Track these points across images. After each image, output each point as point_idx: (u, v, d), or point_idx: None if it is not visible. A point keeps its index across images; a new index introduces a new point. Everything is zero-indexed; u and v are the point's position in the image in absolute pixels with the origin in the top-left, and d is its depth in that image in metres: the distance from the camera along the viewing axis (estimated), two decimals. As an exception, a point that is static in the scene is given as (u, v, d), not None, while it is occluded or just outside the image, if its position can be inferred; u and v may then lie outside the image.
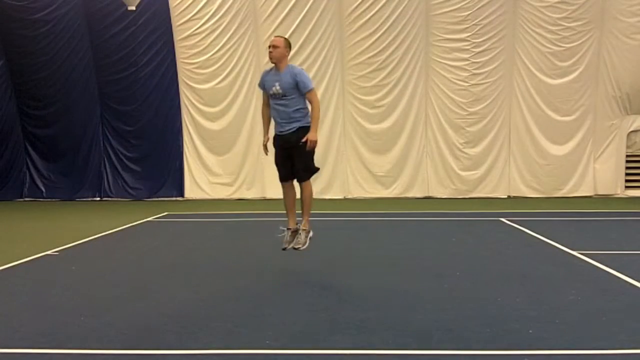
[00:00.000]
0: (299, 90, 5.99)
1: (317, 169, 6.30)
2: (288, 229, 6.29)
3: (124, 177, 14.88)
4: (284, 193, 6.37)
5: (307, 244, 6.20)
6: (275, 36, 6.34)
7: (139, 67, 14.27)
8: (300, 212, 6.32)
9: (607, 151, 14.00)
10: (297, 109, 6.05)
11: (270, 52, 6.04)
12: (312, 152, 6.16)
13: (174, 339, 4.28)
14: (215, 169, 14.54)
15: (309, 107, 6.13)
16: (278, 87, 6.01)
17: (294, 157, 6.13)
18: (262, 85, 6.25)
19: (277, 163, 6.37)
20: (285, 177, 6.31)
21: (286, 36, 13.54)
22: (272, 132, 6.44)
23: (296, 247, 6.17)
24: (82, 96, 14.66)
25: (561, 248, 7.54)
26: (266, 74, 6.24)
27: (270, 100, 6.18)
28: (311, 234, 6.26)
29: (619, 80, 13.63)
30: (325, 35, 13.80)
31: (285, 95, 6.00)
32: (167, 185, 14.74)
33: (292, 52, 13.87)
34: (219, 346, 4.13)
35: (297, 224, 6.30)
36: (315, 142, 6.02)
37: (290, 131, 6.08)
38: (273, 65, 6.12)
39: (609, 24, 13.38)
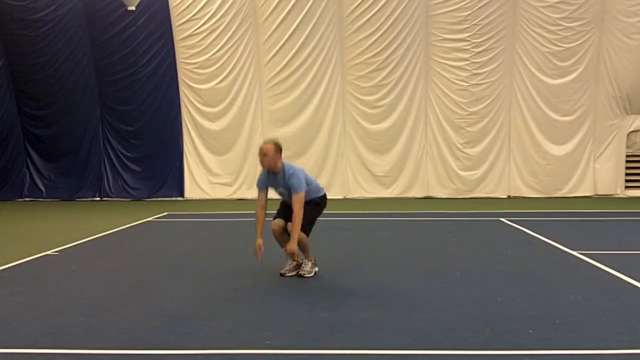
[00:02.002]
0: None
1: (309, 232, 6.06)
2: (293, 260, 6.20)
3: (124, 177, 14.88)
4: (273, 223, 6.10)
5: (312, 273, 6.14)
6: (264, 142, 5.99)
7: (139, 67, 14.28)
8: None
9: (607, 151, 14.01)
10: (307, 192, 5.98)
11: (260, 160, 5.92)
12: (316, 217, 6.13)
13: (174, 339, 4.27)
14: (215, 169, 14.54)
15: (313, 185, 6.07)
16: (282, 189, 6.02)
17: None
18: (264, 187, 6.08)
19: (279, 208, 6.26)
20: (279, 214, 6.17)
21: (284, 40, 13.63)
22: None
23: (301, 273, 6.11)
24: (82, 96, 14.67)
25: (561, 248, 7.54)
26: (265, 176, 6.05)
27: (278, 194, 6.16)
28: (317, 268, 6.21)
29: (619, 80, 13.64)
30: (325, 35, 13.81)
31: (290, 193, 5.95)
32: (167, 185, 14.74)
33: (292, 52, 14.06)
34: (219, 346, 4.12)
35: (300, 258, 6.20)
36: (293, 253, 5.92)
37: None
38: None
39: (609, 24, 13.39)
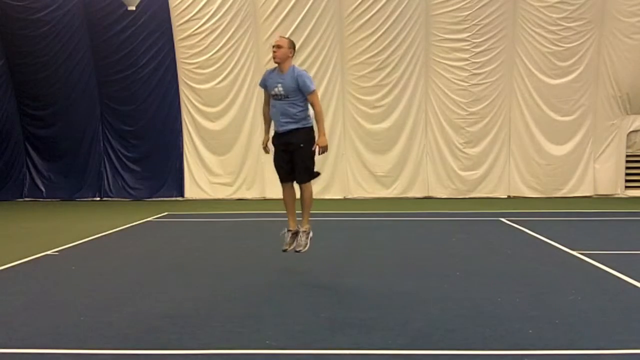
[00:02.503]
0: (301, 92, 5.96)
1: (318, 174, 6.28)
2: (289, 230, 6.28)
3: (124, 177, 14.88)
4: (284, 193, 6.36)
5: (307, 245, 6.19)
6: (280, 36, 6.29)
7: (139, 67, 14.27)
8: (300, 212, 6.32)
9: (607, 151, 14.00)
10: (299, 110, 6.03)
11: (274, 52, 6.02)
12: (313, 154, 6.14)
13: (174, 339, 4.27)
14: (215, 169, 14.54)
15: (310, 109, 6.11)
16: (280, 88, 5.99)
17: (295, 159, 6.12)
18: (264, 84, 6.21)
19: (276, 164, 6.33)
20: (284, 178, 6.29)
21: (287, 36, 13.65)
22: (272, 132, 6.42)
23: (297, 249, 6.16)
24: (82, 96, 14.66)
25: (561, 248, 7.54)
26: (269, 73, 6.19)
27: (271, 99, 6.16)
28: (311, 234, 6.26)
29: (619, 80, 13.63)
30: (325, 35, 13.80)
31: (287, 97, 5.98)
32: (167, 185, 14.73)
33: (292, 52, 13.97)
34: (219, 346, 4.12)
35: (297, 225, 6.30)
36: (326, 147, 6.02)
37: (291, 131, 6.05)
38: (276, 65, 6.09)
39: (609, 24, 13.39)
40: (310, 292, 5.57)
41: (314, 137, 6.14)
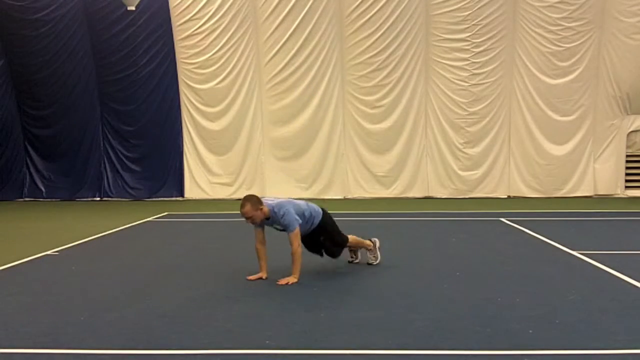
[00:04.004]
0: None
1: (347, 239, 6.40)
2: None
3: (124, 177, 14.88)
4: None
5: (379, 257, 6.69)
6: (241, 206, 5.84)
7: (139, 67, 14.27)
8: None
9: (607, 151, 14.01)
10: (305, 224, 6.05)
11: (251, 223, 5.89)
12: (335, 227, 6.29)
13: (174, 339, 4.27)
14: (215, 169, 14.54)
15: (308, 211, 6.09)
16: (279, 228, 6.03)
17: (322, 241, 6.28)
18: (260, 225, 6.06)
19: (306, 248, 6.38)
20: (314, 251, 6.46)
21: (284, 40, 13.68)
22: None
23: (369, 262, 6.62)
24: (82, 96, 14.67)
25: (561, 248, 7.54)
26: (259, 224, 6.04)
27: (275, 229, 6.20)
28: (378, 243, 6.73)
29: (619, 80, 13.64)
30: (325, 35, 13.81)
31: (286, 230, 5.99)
32: (167, 185, 14.74)
33: (292, 52, 14.04)
34: (219, 346, 4.12)
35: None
36: (294, 283, 5.88)
37: (310, 232, 6.17)
38: None
39: (609, 24, 13.39)
40: (310, 292, 5.57)
41: (326, 222, 6.23)
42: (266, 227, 6.09)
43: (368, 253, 6.66)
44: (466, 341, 4.15)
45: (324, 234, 6.24)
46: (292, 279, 5.89)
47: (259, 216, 5.83)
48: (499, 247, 7.77)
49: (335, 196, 14.15)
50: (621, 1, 13.24)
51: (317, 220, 6.17)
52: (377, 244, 6.69)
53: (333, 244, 6.30)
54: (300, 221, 5.92)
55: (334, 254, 6.37)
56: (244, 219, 5.88)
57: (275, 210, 5.86)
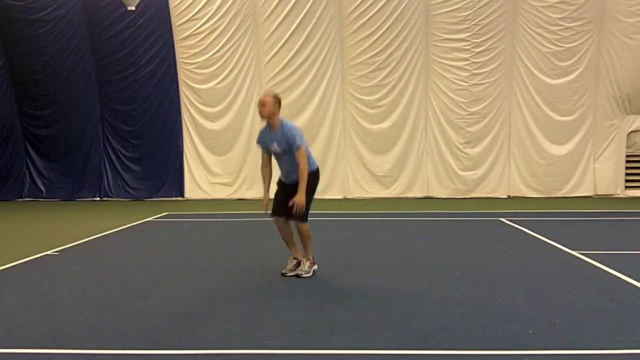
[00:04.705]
0: None
1: (306, 218, 6.06)
2: (294, 258, 6.26)
3: (124, 177, 14.88)
4: (278, 230, 6.22)
5: (310, 273, 6.17)
6: (264, 93, 6.03)
7: (139, 67, 14.28)
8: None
9: (607, 151, 14.01)
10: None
11: (260, 111, 5.90)
12: (310, 201, 6.05)
13: (174, 339, 4.27)
14: (215, 169, 14.54)
15: (308, 152, 6.04)
16: (276, 146, 5.96)
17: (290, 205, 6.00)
18: (262, 143, 6.12)
19: (274, 198, 6.24)
20: (277, 212, 6.14)
21: (284, 40, 13.67)
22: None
23: (299, 274, 6.13)
24: (82, 96, 14.67)
25: (561, 248, 7.54)
26: (263, 133, 6.09)
27: (273, 155, 6.14)
28: (315, 267, 6.25)
29: (619, 80, 13.64)
30: (325, 35, 13.81)
31: (285, 153, 5.95)
32: (167, 185, 14.74)
33: (292, 52, 14.04)
34: (219, 346, 4.12)
35: (301, 255, 6.25)
36: (302, 205, 5.82)
37: (295, 184, 5.95)
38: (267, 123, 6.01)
39: (609, 24, 13.39)
40: (310, 292, 5.57)
41: (310, 185, 6.02)
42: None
43: (307, 264, 6.19)
44: (466, 341, 4.15)
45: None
46: (299, 199, 5.77)
47: (272, 111, 5.84)
48: (499, 247, 7.77)
49: (335, 196, 14.15)
50: (621, 1, 13.24)
51: (312, 168, 6.06)
52: (315, 267, 6.27)
53: (299, 212, 5.88)
54: (306, 143, 5.89)
55: (294, 218, 5.99)
56: (260, 109, 5.87)
57: (284, 124, 5.89)
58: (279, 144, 5.94)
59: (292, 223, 6.11)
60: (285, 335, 4.32)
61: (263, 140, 6.10)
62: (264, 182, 6.23)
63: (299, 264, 6.20)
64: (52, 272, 6.61)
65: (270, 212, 6.17)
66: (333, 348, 4.05)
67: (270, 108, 5.85)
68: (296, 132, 5.90)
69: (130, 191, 14.82)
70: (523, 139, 14.00)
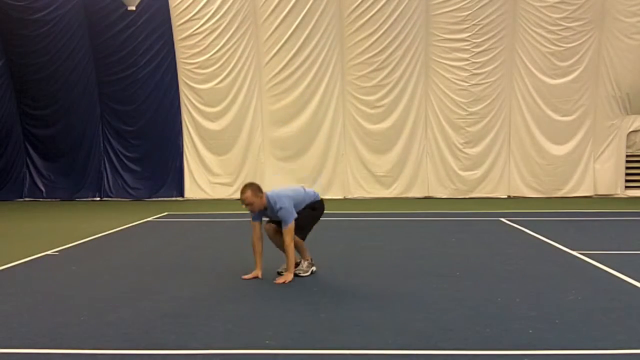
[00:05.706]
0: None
1: (304, 237, 6.12)
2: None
3: (124, 177, 14.89)
4: (270, 239, 6.17)
5: (308, 272, 6.19)
6: (241, 192, 5.85)
7: (139, 67, 14.28)
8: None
9: (607, 151, 14.01)
10: (301, 213, 5.99)
11: (249, 210, 5.88)
12: (310, 222, 6.11)
13: (174, 339, 4.27)
14: (215, 169, 14.55)
15: (307, 198, 6.08)
16: (275, 218, 5.97)
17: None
18: (257, 218, 6.04)
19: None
20: (271, 221, 6.14)
21: (284, 40, 13.64)
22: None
23: (297, 273, 6.12)
24: (82, 96, 14.68)
25: (561, 248, 7.54)
26: (256, 215, 6.01)
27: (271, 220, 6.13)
28: (314, 268, 6.27)
29: (619, 80, 13.64)
30: (325, 35, 13.81)
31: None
32: (167, 185, 14.75)
33: (292, 52, 14.04)
34: (219, 346, 4.12)
35: (297, 258, 6.23)
36: (289, 281, 5.84)
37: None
38: None
39: (609, 24, 13.39)
40: (310, 292, 5.56)
41: (315, 208, 6.13)
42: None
43: (305, 264, 6.22)
44: (466, 341, 4.15)
45: (304, 217, 6.01)
46: (288, 277, 5.88)
47: (259, 204, 5.82)
48: (499, 247, 7.77)
49: (335, 196, 14.15)
50: (621, 1, 13.25)
51: (316, 199, 6.15)
52: (313, 269, 6.29)
53: (298, 227, 5.95)
54: (296, 215, 5.88)
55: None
56: (244, 206, 5.87)
57: (272, 200, 5.85)
58: (276, 217, 5.94)
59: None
60: (285, 335, 4.32)
61: (256, 217, 6.03)
62: (256, 255, 6.08)
63: (297, 264, 6.21)
64: (52, 272, 6.61)
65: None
66: (333, 348, 4.04)
67: (257, 202, 5.80)
68: (284, 211, 5.80)
69: (130, 191, 14.82)
70: (523, 139, 14.00)
